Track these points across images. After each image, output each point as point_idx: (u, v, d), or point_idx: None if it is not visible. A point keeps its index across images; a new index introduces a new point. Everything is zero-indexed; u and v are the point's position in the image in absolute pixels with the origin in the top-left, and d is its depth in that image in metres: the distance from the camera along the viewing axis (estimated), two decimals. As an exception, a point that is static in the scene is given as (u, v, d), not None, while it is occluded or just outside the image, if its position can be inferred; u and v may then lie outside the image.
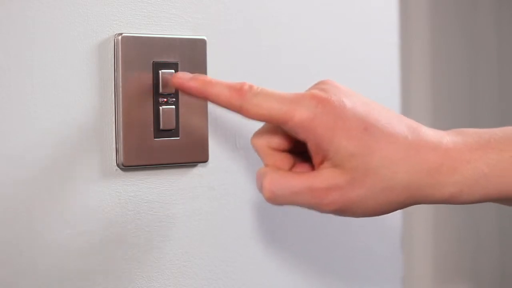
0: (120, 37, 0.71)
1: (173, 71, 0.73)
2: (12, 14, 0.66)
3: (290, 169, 0.64)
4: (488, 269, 2.16)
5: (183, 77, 0.68)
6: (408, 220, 1.89)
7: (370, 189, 0.61)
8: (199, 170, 0.77)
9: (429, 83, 2.01)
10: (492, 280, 2.17)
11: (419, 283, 2.03)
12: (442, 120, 2.04)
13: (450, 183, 0.61)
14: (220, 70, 0.78)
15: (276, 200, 0.62)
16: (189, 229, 0.77)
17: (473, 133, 0.62)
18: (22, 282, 0.67)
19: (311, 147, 0.62)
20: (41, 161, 0.68)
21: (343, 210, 0.62)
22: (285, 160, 0.64)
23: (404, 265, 0.95)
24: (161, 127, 0.73)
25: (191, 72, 0.74)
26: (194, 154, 0.76)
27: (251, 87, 0.63)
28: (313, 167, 0.63)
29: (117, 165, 0.72)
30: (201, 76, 0.67)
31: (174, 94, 0.73)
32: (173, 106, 0.74)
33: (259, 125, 0.66)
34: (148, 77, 0.72)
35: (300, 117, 0.61)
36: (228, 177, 0.79)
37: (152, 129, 0.73)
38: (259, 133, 0.65)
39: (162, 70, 0.73)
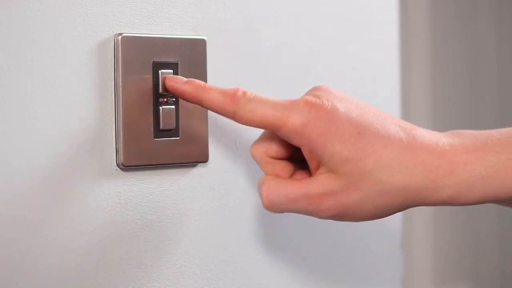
0: (120, 37, 0.71)
1: (172, 71, 0.73)
2: (12, 14, 0.66)
3: (290, 176, 0.65)
4: (488, 269, 2.16)
5: (177, 81, 0.68)
6: (408, 220, 1.89)
7: (366, 193, 0.61)
8: (199, 170, 0.77)
9: (429, 83, 2.01)
10: (492, 280, 2.17)
11: (419, 283, 2.03)
12: (442, 120, 2.04)
13: (447, 185, 0.61)
14: (220, 70, 0.78)
15: (273, 208, 0.63)
16: (189, 229, 0.77)
17: (470, 135, 0.62)
18: (22, 282, 0.67)
19: (305, 153, 0.62)
20: (41, 161, 0.68)
21: (340, 215, 0.62)
22: (285, 168, 0.65)
23: (404, 265, 0.95)
24: (161, 127, 0.73)
25: (191, 72, 0.74)
26: (194, 154, 0.76)
27: (244, 93, 0.64)
28: (310, 175, 0.63)
29: (117, 165, 0.72)
30: (195, 81, 0.67)
31: (174, 94, 0.73)
32: (173, 106, 0.74)
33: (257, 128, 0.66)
34: (148, 77, 0.72)
35: (293, 123, 0.61)
36: (228, 177, 0.79)
37: (152, 129, 0.73)
38: (257, 142, 0.65)
39: (162, 70, 0.73)
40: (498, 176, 0.60)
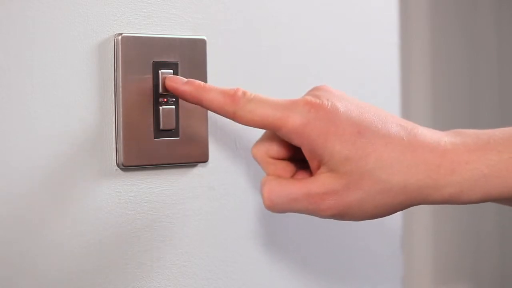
0: (120, 37, 0.71)
1: (172, 71, 0.73)
2: (12, 14, 0.66)
3: (292, 177, 0.65)
4: (488, 269, 2.16)
5: (177, 81, 0.68)
6: (408, 220, 1.89)
7: (366, 192, 0.61)
8: (199, 170, 0.77)
9: (429, 83, 2.01)
10: (492, 280, 2.17)
11: (419, 283, 2.03)
12: (442, 120, 2.04)
13: (449, 184, 0.61)
14: (220, 70, 0.78)
15: (275, 208, 0.63)
16: (189, 229, 0.77)
17: (471, 134, 0.62)
18: (22, 282, 0.67)
19: (306, 152, 0.62)
20: (41, 161, 0.68)
21: (341, 215, 0.62)
22: (286, 168, 0.65)
23: (404, 265, 0.95)
24: (161, 127, 0.73)
25: (191, 72, 0.74)
26: (194, 154, 0.76)
27: (244, 93, 0.64)
28: (311, 175, 0.63)
29: (117, 165, 0.72)
30: (195, 81, 0.67)
31: (174, 95, 0.73)
32: (173, 106, 0.74)
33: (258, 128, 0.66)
34: (148, 77, 0.72)
35: (293, 123, 0.61)
36: (228, 177, 0.79)
37: (152, 129, 0.73)
38: (257, 143, 0.65)
39: (162, 70, 0.73)
40: (500, 175, 0.60)
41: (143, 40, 0.72)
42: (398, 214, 0.93)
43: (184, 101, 0.73)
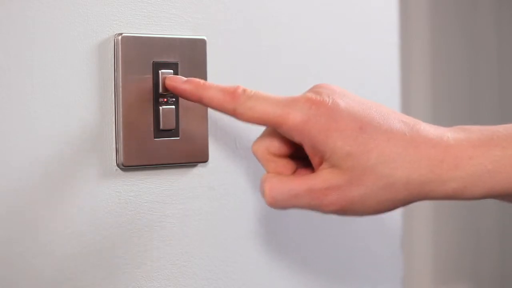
0: (120, 37, 0.71)
1: (172, 71, 0.73)
2: (12, 14, 0.66)
3: (292, 174, 0.65)
4: (488, 269, 2.16)
5: (177, 80, 0.69)
6: (408, 220, 1.89)
7: (369, 187, 0.61)
8: (199, 170, 0.77)
9: (429, 83, 2.01)
10: (492, 280, 2.17)
11: (419, 283, 2.03)
12: (442, 120, 2.03)
13: (452, 179, 0.60)
14: (220, 70, 0.78)
15: (277, 204, 0.63)
16: (189, 229, 0.77)
17: (475, 130, 0.62)
18: (22, 282, 0.67)
19: (307, 149, 0.62)
20: (41, 161, 0.68)
21: (344, 210, 0.62)
22: (287, 165, 0.64)
23: (404, 265, 0.95)
24: (161, 127, 0.73)
25: (191, 72, 0.74)
26: (194, 154, 0.76)
27: (244, 90, 0.64)
28: (313, 171, 0.63)
29: (117, 165, 0.72)
30: (195, 79, 0.67)
31: (174, 94, 0.73)
32: (173, 106, 0.74)
33: (259, 125, 0.66)
34: (148, 77, 0.72)
35: (294, 120, 0.61)
36: (228, 177, 0.79)
37: (152, 129, 0.73)
38: (258, 140, 0.65)
39: (162, 70, 0.73)
40: (504, 171, 0.60)
41: (143, 40, 0.72)
42: (398, 214, 0.93)
43: (184, 101, 0.73)
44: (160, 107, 0.73)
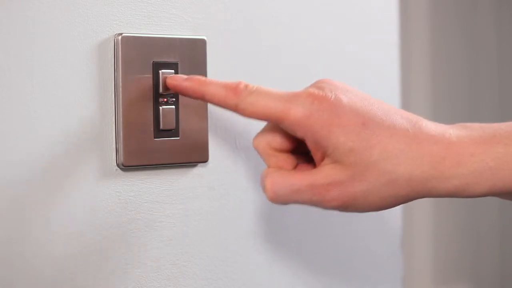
0: (120, 37, 0.71)
1: (173, 71, 0.73)
2: (12, 14, 0.66)
3: (293, 169, 0.64)
4: (488, 269, 2.16)
5: (178, 79, 0.68)
6: (408, 220, 1.89)
7: (371, 183, 0.61)
8: (199, 170, 0.77)
9: (429, 83, 2.01)
10: (492, 280, 2.17)
11: (419, 283, 2.03)
12: (442, 120, 2.03)
13: (454, 176, 0.60)
14: (220, 70, 0.78)
15: (278, 199, 0.62)
16: (189, 229, 0.77)
17: (477, 127, 0.62)
18: (22, 282, 0.67)
19: (309, 144, 0.62)
20: (41, 161, 0.68)
21: (346, 206, 0.62)
22: (288, 160, 0.64)
23: (404, 265, 0.95)
24: (161, 127, 0.73)
25: (191, 72, 0.74)
26: (194, 154, 0.76)
27: (246, 86, 0.63)
28: (315, 167, 0.63)
29: (117, 165, 0.72)
30: (196, 76, 0.67)
31: (174, 94, 0.73)
32: (173, 106, 0.74)
33: (259, 125, 0.66)
34: (148, 77, 0.72)
35: (296, 115, 0.61)
36: (228, 177, 0.79)
37: (152, 129, 0.73)
38: (260, 134, 0.65)
39: (162, 70, 0.73)
40: (507, 168, 0.60)
41: (143, 40, 0.72)
42: (398, 214, 0.93)
43: (184, 101, 0.73)
44: (160, 107, 0.73)
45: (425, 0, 1.98)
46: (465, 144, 0.61)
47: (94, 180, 0.71)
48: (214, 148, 0.78)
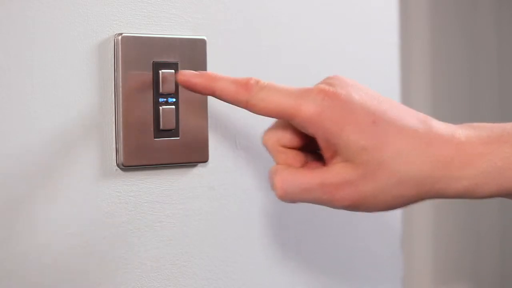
0: (120, 37, 0.71)
1: (173, 71, 0.73)
2: (12, 14, 0.66)
3: (302, 167, 0.64)
4: (488, 269, 2.16)
5: (188, 74, 0.68)
6: (408, 220, 1.89)
7: (382, 183, 0.60)
8: (199, 170, 0.77)
9: (429, 83, 2.01)
10: (492, 280, 2.17)
11: (419, 283, 2.03)
12: (442, 120, 2.03)
13: (463, 177, 0.60)
14: (220, 70, 0.78)
15: (287, 197, 0.62)
16: (189, 229, 0.77)
17: (486, 127, 0.62)
18: (21, 282, 0.67)
19: (320, 142, 0.61)
20: (41, 161, 0.68)
21: (356, 205, 0.61)
22: (297, 157, 0.64)
23: (404, 265, 0.95)
24: (161, 127, 0.73)
25: (191, 72, 0.74)
26: (194, 154, 0.76)
27: (257, 81, 0.63)
28: (325, 165, 0.62)
29: (117, 165, 0.72)
30: (207, 72, 0.67)
31: (174, 94, 0.73)
32: (173, 106, 0.74)
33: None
34: (148, 77, 0.72)
35: (307, 111, 0.60)
36: (228, 177, 0.79)
37: (152, 129, 0.73)
38: (269, 131, 0.64)
39: (162, 70, 0.73)
40: None
41: (143, 40, 0.72)
42: (398, 214, 0.93)
43: (184, 101, 0.73)
44: (160, 107, 0.73)
45: (425, 0, 1.98)
46: (474, 144, 0.60)
47: (94, 180, 0.71)
48: (214, 148, 0.78)
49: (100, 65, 0.71)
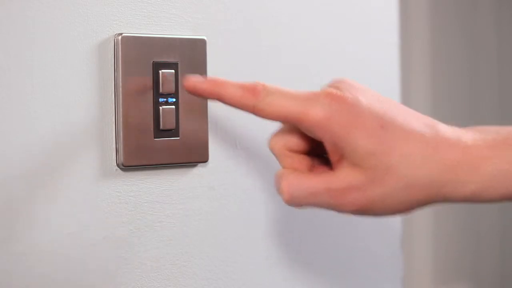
0: (120, 37, 0.71)
1: (173, 71, 0.73)
2: (12, 14, 0.66)
3: (308, 171, 0.64)
4: (488, 269, 2.16)
5: (195, 80, 0.67)
6: (408, 220, 1.89)
7: (390, 187, 0.60)
8: (199, 170, 0.77)
9: (429, 83, 2.01)
10: (492, 280, 2.17)
11: (419, 283, 2.03)
12: (442, 120, 2.03)
13: (471, 181, 0.60)
14: (220, 70, 0.78)
15: (294, 201, 0.62)
16: (189, 229, 0.77)
17: (492, 130, 0.61)
18: (21, 282, 0.67)
19: (327, 146, 0.61)
20: (41, 161, 0.68)
21: (363, 210, 0.61)
22: (303, 162, 0.63)
23: (404, 265, 0.95)
24: (161, 127, 0.73)
25: (191, 72, 0.74)
26: (194, 154, 0.76)
27: (264, 86, 0.63)
28: (331, 169, 0.62)
29: (117, 165, 0.72)
30: (213, 78, 0.66)
31: (174, 94, 0.73)
32: (173, 106, 0.74)
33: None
34: (148, 77, 0.72)
35: (315, 115, 0.60)
36: (228, 177, 0.79)
37: (152, 129, 0.73)
38: (276, 135, 0.64)
39: (162, 70, 0.73)
40: None
41: (143, 40, 0.72)
42: (398, 214, 0.93)
43: (184, 101, 0.73)
44: (160, 107, 0.73)
45: (425, 0, 1.98)
46: (480, 148, 0.60)
47: (94, 180, 0.71)
48: (214, 148, 0.78)
49: (100, 65, 0.71)
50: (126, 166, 0.72)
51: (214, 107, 0.77)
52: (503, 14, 2.11)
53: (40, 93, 0.67)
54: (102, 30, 0.71)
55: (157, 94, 0.73)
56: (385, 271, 0.93)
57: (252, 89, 0.63)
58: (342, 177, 0.61)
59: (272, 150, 0.64)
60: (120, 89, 0.71)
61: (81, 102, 0.70)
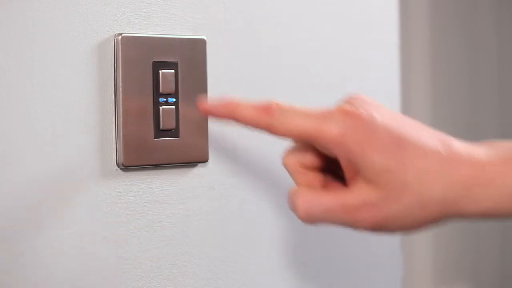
0: (120, 37, 0.71)
1: (173, 71, 0.73)
2: (12, 14, 0.66)
3: (322, 188, 0.63)
4: (488, 269, 2.16)
5: (210, 106, 0.65)
6: (408, 220, 1.89)
7: (405, 204, 0.60)
8: (199, 170, 0.77)
9: (429, 83, 2.01)
10: (492, 280, 2.17)
11: (419, 283, 2.03)
12: (442, 120, 2.04)
13: (485, 197, 0.59)
14: (220, 70, 0.78)
15: (310, 219, 0.61)
16: (189, 229, 0.77)
17: (504, 146, 0.61)
18: (21, 282, 0.67)
19: (342, 162, 0.61)
20: (41, 161, 0.68)
21: (378, 227, 0.61)
22: (317, 178, 0.63)
23: (404, 265, 0.95)
24: (161, 127, 0.73)
25: (191, 72, 0.74)
26: (194, 154, 0.76)
27: (278, 105, 0.62)
28: (345, 186, 0.62)
29: (117, 165, 0.72)
30: (227, 99, 0.65)
31: (174, 94, 0.73)
32: (173, 106, 0.74)
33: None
34: (148, 77, 0.72)
35: (330, 132, 0.60)
36: (228, 177, 0.79)
37: (152, 129, 0.73)
38: (290, 152, 0.64)
39: (162, 70, 0.73)
40: None
41: (143, 40, 0.72)
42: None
43: (184, 101, 0.73)
44: (160, 107, 0.73)
45: (425, 0, 1.98)
46: (494, 164, 0.60)
47: (94, 180, 0.71)
48: (214, 148, 0.78)
49: (100, 65, 0.71)
50: (126, 166, 0.72)
51: (214, 107, 0.77)
52: (503, 14, 2.11)
53: (40, 93, 0.67)
54: (102, 30, 0.71)
55: (157, 94, 0.73)
56: (385, 271, 0.93)
57: (267, 109, 0.62)
58: (357, 194, 0.60)
59: (286, 166, 0.64)
60: (120, 89, 0.71)
61: (81, 102, 0.70)
